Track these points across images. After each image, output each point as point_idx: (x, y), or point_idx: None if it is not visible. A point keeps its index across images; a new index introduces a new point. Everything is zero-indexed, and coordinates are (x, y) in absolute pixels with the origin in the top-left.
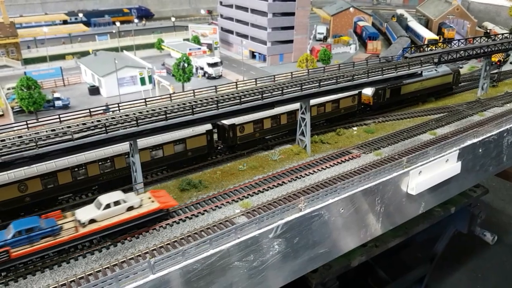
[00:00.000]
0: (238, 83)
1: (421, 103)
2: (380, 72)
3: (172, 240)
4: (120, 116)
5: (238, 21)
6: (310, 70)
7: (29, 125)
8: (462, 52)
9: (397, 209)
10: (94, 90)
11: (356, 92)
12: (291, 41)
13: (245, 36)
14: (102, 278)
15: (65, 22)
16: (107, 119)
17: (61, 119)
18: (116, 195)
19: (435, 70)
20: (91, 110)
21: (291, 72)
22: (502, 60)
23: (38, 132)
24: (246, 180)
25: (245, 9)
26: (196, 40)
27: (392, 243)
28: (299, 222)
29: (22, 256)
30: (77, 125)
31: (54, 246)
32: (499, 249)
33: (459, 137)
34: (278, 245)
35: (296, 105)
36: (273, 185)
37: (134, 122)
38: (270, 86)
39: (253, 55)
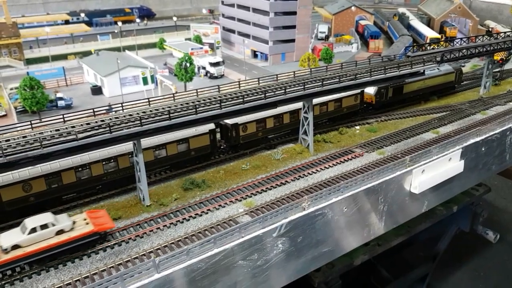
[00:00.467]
0: (240, 82)
1: (424, 102)
2: (382, 71)
3: (176, 239)
4: (124, 116)
5: (240, 20)
6: (312, 69)
7: (33, 125)
8: (464, 50)
9: (400, 208)
10: (97, 90)
11: (358, 91)
12: (293, 40)
13: (247, 36)
14: (107, 277)
15: (67, 22)
16: (110, 119)
17: (65, 119)
18: (44, 217)
19: (438, 68)
20: (95, 110)
21: (294, 71)
22: (504, 58)
23: (42, 132)
24: (249, 179)
25: (247, 8)
26: (198, 39)
27: (395, 242)
28: (303, 221)
29: None
30: (81, 125)
31: None
32: (501, 248)
33: (462, 135)
34: (282, 244)
35: (298, 105)
36: (276, 184)
37: (138, 122)
38: (273, 86)
39: (255, 54)
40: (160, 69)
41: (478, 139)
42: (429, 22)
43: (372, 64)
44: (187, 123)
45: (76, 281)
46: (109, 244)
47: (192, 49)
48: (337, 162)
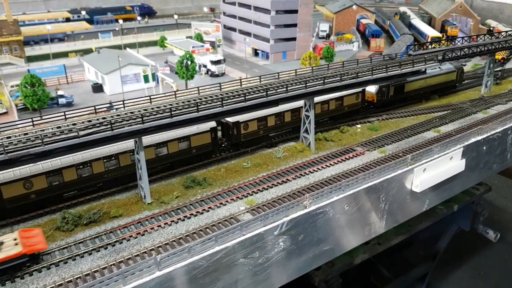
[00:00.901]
0: (242, 80)
1: (425, 101)
2: (384, 69)
3: (177, 237)
4: (125, 114)
5: (241, 18)
6: (314, 68)
7: (34, 122)
8: (466, 49)
9: (401, 207)
10: (98, 88)
11: (360, 89)
12: (294, 39)
13: (248, 34)
14: (108, 274)
15: (67, 20)
16: (112, 116)
17: (66, 116)
18: None
19: (439, 67)
20: (96, 107)
21: (295, 70)
22: (505, 57)
23: (43, 129)
24: (250, 178)
25: (248, 6)
26: (199, 37)
27: (395, 240)
28: (304, 219)
29: None
30: (83, 122)
31: None
32: (501, 247)
33: (463, 134)
34: (283, 242)
35: (300, 103)
36: (278, 183)
37: (140, 119)
38: (274, 84)
39: (256, 52)
40: (161, 67)
41: (479, 138)
42: (430, 21)
43: (373, 63)
44: (189, 120)
45: (77, 278)
46: (110, 242)
47: (193, 47)
48: (338, 161)
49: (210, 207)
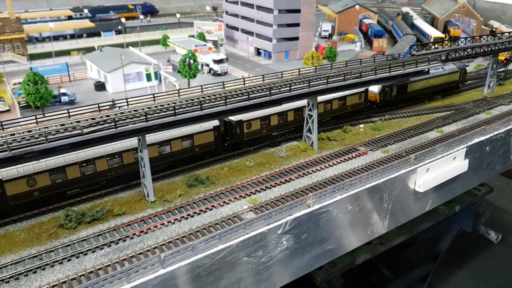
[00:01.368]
0: (245, 79)
1: (428, 101)
2: (387, 69)
3: (181, 235)
4: (129, 111)
5: (243, 17)
6: (317, 67)
7: (38, 120)
8: (469, 50)
9: (404, 207)
10: (100, 86)
11: (363, 89)
12: (296, 38)
13: (250, 33)
14: (112, 272)
15: (70, 18)
16: (116, 114)
17: (70, 114)
18: None
19: (442, 68)
20: (100, 105)
21: (299, 69)
22: (508, 58)
23: (47, 127)
24: (253, 176)
25: (250, 5)
26: (201, 36)
27: (397, 241)
28: (307, 219)
29: None
30: (86, 119)
31: None
32: (503, 248)
33: (467, 134)
34: (287, 241)
35: (303, 102)
36: (281, 182)
37: (143, 117)
38: (278, 83)
39: (258, 52)
40: (164, 66)
41: (482, 138)
42: (433, 22)
43: (376, 63)
44: (192, 119)
45: (81, 276)
46: (114, 240)
47: (195, 46)
48: (341, 160)
49: (213, 206)
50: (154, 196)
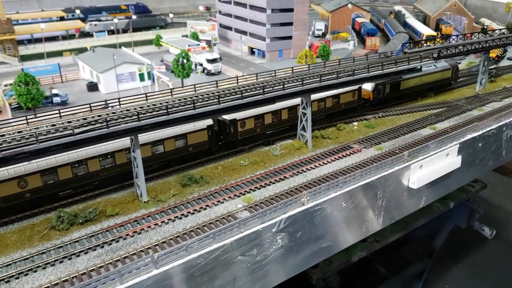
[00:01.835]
0: (238, 78)
1: (421, 98)
2: (380, 67)
3: (175, 235)
4: (121, 111)
5: (236, 17)
6: (310, 65)
7: (28, 121)
8: (461, 47)
9: (398, 204)
10: (93, 87)
11: (356, 87)
12: (290, 37)
13: (244, 33)
14: (105, 273)
15: (62, 19)
16: (108, 114)
17: (61, 114)
18: None
19: (434, 65)
20: (91, 105)
21: (292, 67)
22: (499, 55)
23: (38, 127)
24: (247, 175)
25: (243, 5)
26: (194, 36)
27: (392, 238)
28: (302, 217)
29: None
30: (78, 120)
31: None
32: (497, 244)
33: (459, 131)
34: (281, 240)
35: (296, 100)
36: (275, 180)
37: (136, 116)
38: (271, 81)
39: (252, 51)
40: (157, 66)
41: (475, 134)
42: (425, 20)
43: (369, 60)
44: (185, 118)
45: (73, 277)
46: (107, 240)
47: (189, 45)
48: (335, 158)
49: (207, 205)
50: (148, 196)
